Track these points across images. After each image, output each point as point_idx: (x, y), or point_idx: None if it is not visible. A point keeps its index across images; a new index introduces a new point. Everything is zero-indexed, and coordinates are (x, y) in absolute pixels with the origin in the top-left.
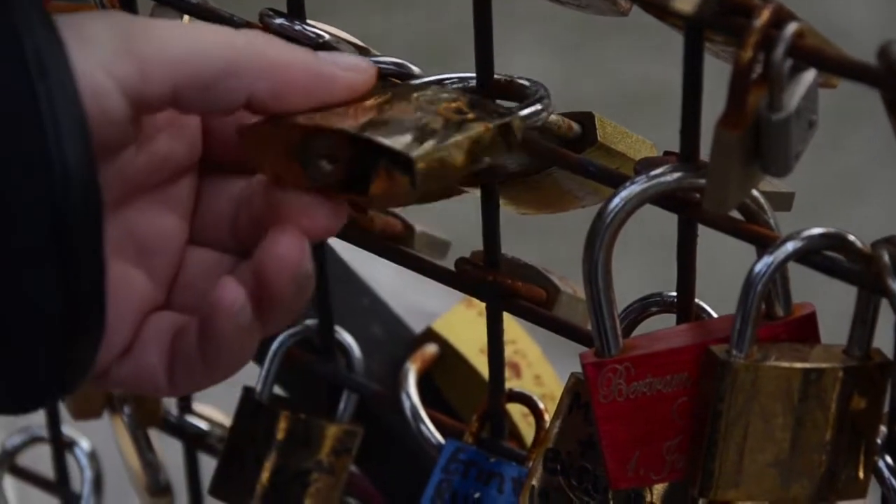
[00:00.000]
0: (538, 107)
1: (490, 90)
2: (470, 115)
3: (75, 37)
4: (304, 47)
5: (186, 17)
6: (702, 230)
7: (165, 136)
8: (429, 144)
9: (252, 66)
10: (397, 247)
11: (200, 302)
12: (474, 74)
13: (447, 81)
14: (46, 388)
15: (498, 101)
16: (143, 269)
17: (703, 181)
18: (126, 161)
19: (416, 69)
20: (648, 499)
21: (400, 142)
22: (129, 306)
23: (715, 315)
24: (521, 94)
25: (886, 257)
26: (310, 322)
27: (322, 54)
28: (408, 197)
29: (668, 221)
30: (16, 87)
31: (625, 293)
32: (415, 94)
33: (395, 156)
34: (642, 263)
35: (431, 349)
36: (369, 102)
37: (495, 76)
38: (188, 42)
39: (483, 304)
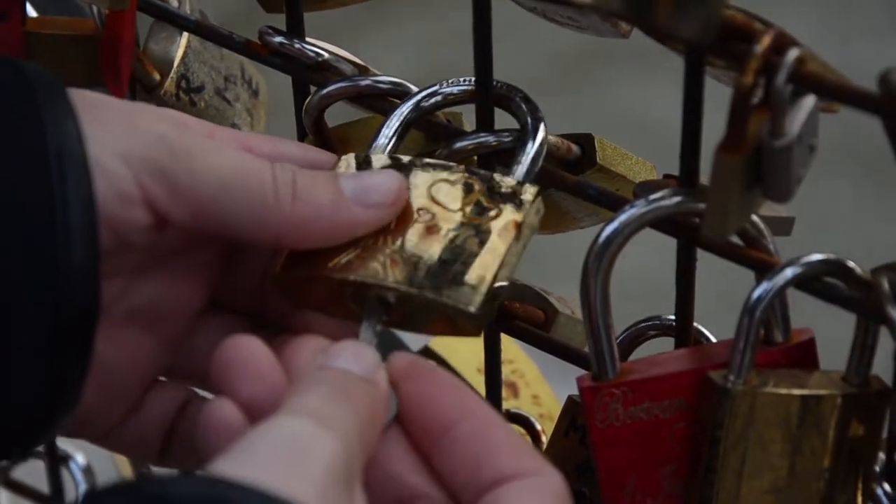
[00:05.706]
0: (541, 139)
1: (488, 102)
2: (494, 213)
3: (121, 135)
4: (330, 177)
5: (185, 37)
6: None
7: None
8: (481, 286)
9: (278, 221)
10: None
11: (207, 368)
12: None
13: (447, 93)
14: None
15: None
16: (156, 336)
17: (702, 206)
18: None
19: (413, 88)
20: None
21: (455, 296)
22: (134, 377)
23: (714, 339)
24: (516, 114)
25: (886, 284)
26: None
27: (349, 187)
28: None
29: None
30: (34, 184)
31: None
32: (430, 188)
33: (453, 309)
34: None
35: None
36: (396, 230)
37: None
38: (224, 177)
39: None
